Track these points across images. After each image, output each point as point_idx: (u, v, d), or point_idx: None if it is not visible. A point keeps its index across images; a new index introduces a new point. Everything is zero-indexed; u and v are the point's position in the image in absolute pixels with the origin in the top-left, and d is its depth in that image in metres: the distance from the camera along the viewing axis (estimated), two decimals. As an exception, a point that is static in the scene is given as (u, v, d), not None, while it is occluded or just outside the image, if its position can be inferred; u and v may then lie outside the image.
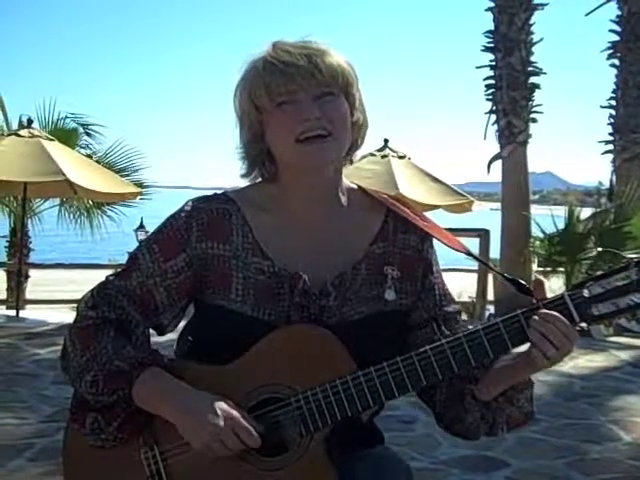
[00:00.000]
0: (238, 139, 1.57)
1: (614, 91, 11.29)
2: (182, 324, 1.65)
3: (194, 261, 1.52)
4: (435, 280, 1.61)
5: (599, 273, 1.41)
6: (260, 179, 1.59)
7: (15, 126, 11.19)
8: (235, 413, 1.40)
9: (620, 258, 6.84)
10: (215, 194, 1.59)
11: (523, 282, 1.50)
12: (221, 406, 1.40)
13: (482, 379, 1.51)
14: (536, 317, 1.40)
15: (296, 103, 1.46)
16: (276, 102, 1.47)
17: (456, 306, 1.64)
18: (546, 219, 9.22)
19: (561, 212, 9.02)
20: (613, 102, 11.30)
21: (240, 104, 1.53)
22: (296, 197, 1.55)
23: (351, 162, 1.60)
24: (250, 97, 1.50)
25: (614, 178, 11.24)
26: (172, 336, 1.65)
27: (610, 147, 11.31)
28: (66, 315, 8.91)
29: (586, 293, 1.40)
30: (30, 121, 9.67)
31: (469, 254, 1.68)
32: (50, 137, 9.30)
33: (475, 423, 1.54)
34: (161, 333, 1.60)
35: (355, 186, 1.62)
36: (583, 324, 1.43)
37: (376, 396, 1.42)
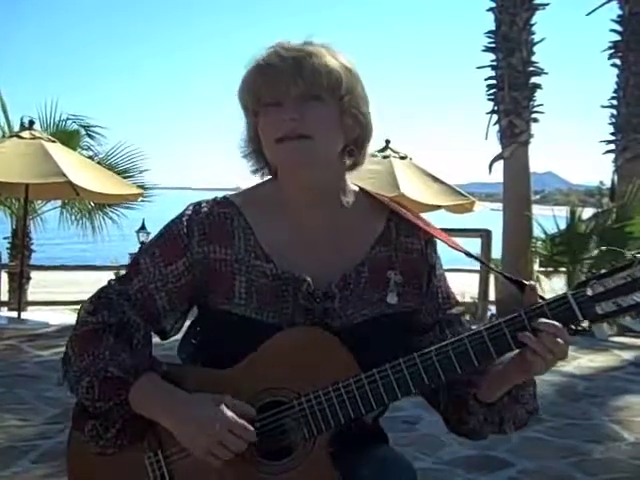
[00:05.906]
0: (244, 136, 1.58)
1: (615, 91, 11.26)
2: (186, 325, 1.64)
3: (195, 265, 1.51)
4: (438, 284, 1.61)
5: (602, 271, 1.40)
6: (269, 176, 1.59)
7: (17, 127, 11.19)
8: (229, 412, 1.39)
9: (622, 257, 6.83)
10: (216, 198, 1.58)
11: (522, 281, 1.50)
12: (215, 409, 1.39)
13: (483, 382, 1.51)
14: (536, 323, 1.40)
15: (279, 106, 1.46)
16: (262, 104, 1.48)
17: (460, 308, 1.63)
18: (548, 219, 9.20)
19: (563, 212, 9.00)
20: (614, 102, 11.27)
21: (240, 104, 1.55)
22: (293, 198, 1.54)
23: (353, 167, 1.57)
24: (240, 99, 1.52)
25: (616, 178, 11.21)
26: (176, 336, 1.65)
27: (612, 147, 11.28)
28: (68, 317, 8.91)
29: (589, 292, 1.38)
30: (32, 122, 9.66)
31: (468, 254, 1.68)
32: (52, 139, 9.29)
33: (479, 425, 1.55)
34: (163, 338, 1.60)
35: (357, 188, 1.61)
36: (586, 324, 1.42)
37: (379, 398, 1.41)
